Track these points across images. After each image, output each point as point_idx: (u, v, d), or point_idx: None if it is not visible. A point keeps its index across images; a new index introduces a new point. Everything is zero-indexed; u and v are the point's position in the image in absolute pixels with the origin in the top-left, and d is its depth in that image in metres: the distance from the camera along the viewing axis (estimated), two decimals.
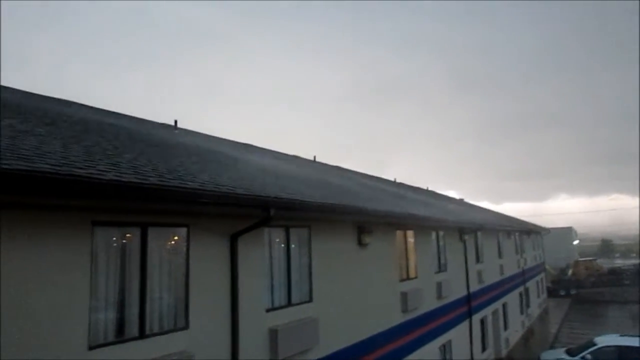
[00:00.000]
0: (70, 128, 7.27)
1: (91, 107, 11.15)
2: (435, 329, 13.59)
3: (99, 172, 4.60)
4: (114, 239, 5.37)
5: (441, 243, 15.13)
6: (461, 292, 16.38)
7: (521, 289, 26.66)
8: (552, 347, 21.78)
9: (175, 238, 6.07)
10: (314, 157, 19.06)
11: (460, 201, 31.79)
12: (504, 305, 22.28)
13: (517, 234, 27.28)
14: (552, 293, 41.28)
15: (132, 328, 5.29)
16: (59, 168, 4.32)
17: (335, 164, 20.24)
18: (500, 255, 22.76)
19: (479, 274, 18.49)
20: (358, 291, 9.87)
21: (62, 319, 4.55)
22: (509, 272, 23.73)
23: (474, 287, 17.65)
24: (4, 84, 9.56)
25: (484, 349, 18.07)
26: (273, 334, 7.10)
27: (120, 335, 5.16)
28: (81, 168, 4.55)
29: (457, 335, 15.29)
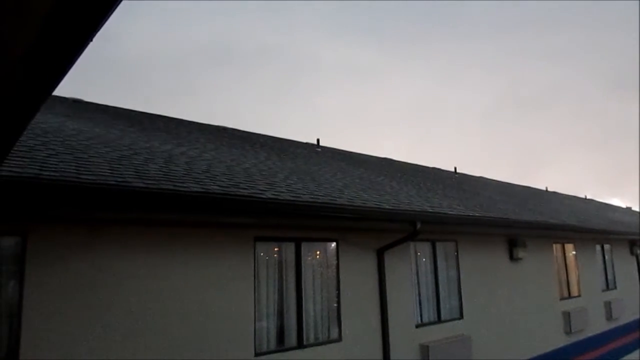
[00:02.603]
0: (229, 152, 8.06)
1: (244, 131, 12.21)
2: (606, 354, 12.03)
3: (260, 192, 5.01)
4: (272, 253, 5.78)
5: (607, 257, 13.44)
6: (636, 314, 14.31)
7: None
8: None
9: (326, 253, 6.32)
10: (455, 168, 18.36)
11: (628, 210, 27.97)
12: None
13: None
14: None
15: (291, 338, 5.61)
16: (226, 189, 4.81)
17: (477, 174, 19.22)
18: None
19: None
20: (512, 309, 9.20)
21: (234, 325, 5.02)
22: None
23: None
24: (177, 116, 10.95)
25: None
26: (424, 350, 6.95)
27: (281, 344, 5.51)
28: (244, 188, 5.01)
29: None
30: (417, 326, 7.16)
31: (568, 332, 10.59)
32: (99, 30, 1.48)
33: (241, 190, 4.90)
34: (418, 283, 7.50)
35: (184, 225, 4.83)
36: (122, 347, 4.26)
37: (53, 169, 3.90)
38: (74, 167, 4.15)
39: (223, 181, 5.18)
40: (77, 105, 8.72)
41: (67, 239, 4.13)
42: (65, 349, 3.97)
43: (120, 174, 4.33)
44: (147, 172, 4.75)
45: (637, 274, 14.93)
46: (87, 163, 4.46)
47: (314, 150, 12.34)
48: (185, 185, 4.58)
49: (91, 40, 1.54)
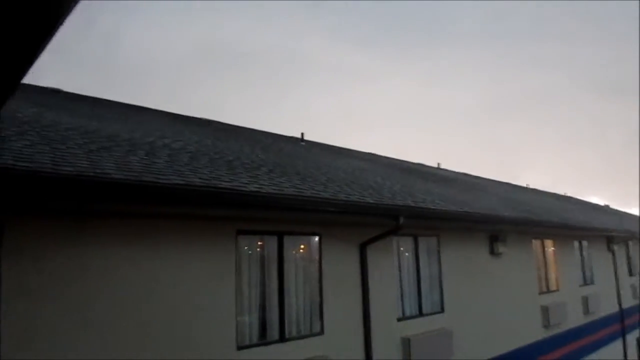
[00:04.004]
0: (212, 144, 7.98)
1: (228, 124, 12.12)
2: (583, 347, 12.29)
3: (242, 185, 4.97)
4: (254, 247, 5.74)
5: (585, 253, 13.72)
6: (612, 308, 14.64)
7: None
8: None
9: (309, 247, 6.30)
10: (438, 164, 18.50)
11: (606, 207, 28.49)
12: None
13: None
14: None
15: (274, 331, 5.60)
16: (207, 181, 4.76)
17: (461, 170, 19.38)
18: None
19: (633, 288, 16.37)
20: (492, 303, 9.33)
21: (216, 319, 4.98)
22: None
23: (628, 302, 15.65)
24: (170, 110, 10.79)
25: None
26: (405, 343, 7.00)
27: (263, 337, 5.49)
28: (227, 181, 4.96)
29: (609, 356, 13.66)
30: (399, 319, 7.20)
31: (546, 325, 10.78)
32: (67, 16, 1.43)
33: (223, 183, 4.84)
34: (400, 277, 7.53)
35: (165, 217, 4.76)
36: (104, 343, 4.18)
37: (29, 160, 3.80)
38: (50, 158, 4.05)
39: (205, 174, 5.12)
40: (55, 95, 8.54)
41: (45, 234, 4.03)
42: (47, 348, 3.88)
43: (100, 166, 4.25)
44: (127, 164, 4.66)
45: (613, 269, 15.24)
46: (65, 154, 4.36)
47: (299, 144, 12.30)
48: (166, 177, 4.51)
49: (61, 25, 1.49)
